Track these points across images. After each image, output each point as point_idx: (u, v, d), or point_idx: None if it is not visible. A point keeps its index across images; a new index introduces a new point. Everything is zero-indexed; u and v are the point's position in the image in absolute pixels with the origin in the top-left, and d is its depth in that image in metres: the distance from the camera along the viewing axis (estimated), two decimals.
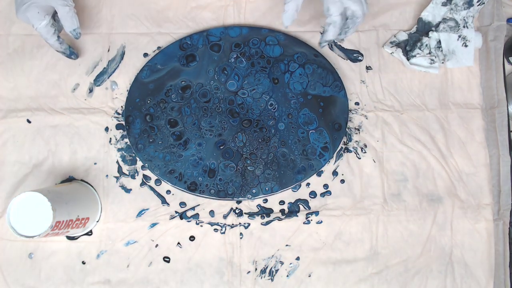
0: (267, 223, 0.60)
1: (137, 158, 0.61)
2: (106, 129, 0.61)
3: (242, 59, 0.64)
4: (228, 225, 0.60)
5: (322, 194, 0.61)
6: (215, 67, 0.64)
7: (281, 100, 0.63)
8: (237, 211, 0.61)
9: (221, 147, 0.62)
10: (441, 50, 0.58)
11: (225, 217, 0.61)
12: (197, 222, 0.60)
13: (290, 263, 0.59)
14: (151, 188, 0.61)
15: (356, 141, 0.63)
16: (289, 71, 0.64)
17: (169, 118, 0.62)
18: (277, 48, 0.64)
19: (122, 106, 0.62)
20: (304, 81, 0.64)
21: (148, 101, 0.63)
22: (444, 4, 0.56)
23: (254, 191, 0.61)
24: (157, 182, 0.62)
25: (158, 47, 0.62)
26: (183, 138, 0.62)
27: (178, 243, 0.59)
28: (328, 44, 0.65)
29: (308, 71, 0.64)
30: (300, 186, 0.62)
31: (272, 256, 0.59)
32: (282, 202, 0.61)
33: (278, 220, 0.60)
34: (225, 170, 0.61)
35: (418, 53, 0.58)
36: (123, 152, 0.61)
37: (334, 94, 0.64)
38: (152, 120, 0.62)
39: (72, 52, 0.58)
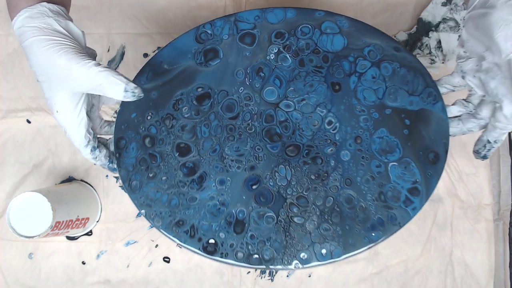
0: None
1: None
2: None
3: (286, 56, 0.43)
4: None
5: None
6: (247, 67, 0.44)
7: (344, 116, 0.42)
8: None
9: (254, 187, 0.41)
10: (441, 50, 0.57)
11: None
12: None
13: None
14: None
15: None
16: (357, 72, 0.43)
17: (178, 142, 0.43)
18: (338, 38, 0.43)
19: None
20: (380, 88, 0.42)
21: (149, 117, 0.43)
22: (444, 4, 0.56)
23: (303, 255, 0.40)
24: None
25: (158, 47, 0.59)
26: (197, 173, 0.42)
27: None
28: None
29: (386, 72, 0.43)
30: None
31: None
32: None
33: None
34: (260, 222, 0.41)
35: (418, 53, 0.57)
36: None
37: (427, 107, 0.42)
38: (154, 145, 0.43)
39: (111, 168, 0.45)
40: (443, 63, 0.57)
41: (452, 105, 0.43)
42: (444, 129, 0.42)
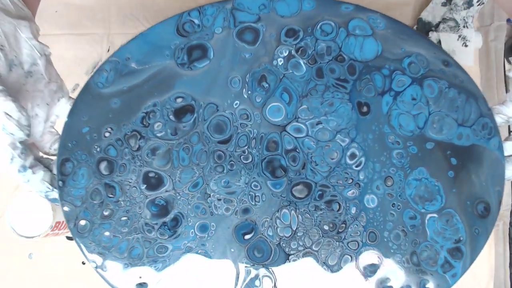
0: None
1: None
2: None
3: (299, 62, 0.33)
4: None
5: None
6: (245, 74, 0.32)
7: (373, 148, 0.32)
8: None
9: (247, 237, 0.31)
10: None
11: None
12: None
13: None
14: None
15: None
16: (392, 91, 0.33)
17: (147, 171, 0.31)
18: (370, 43, 0.33)
19: None
20: (422, 113, 0.32)
21: (107, 134, 0.32)
22: (444, 4, 0.57)
23: None
24: None
25: None
26: (171, 213, 0.31)
27: None
28: None
29: (430, 93, 0.33)
30: None
31: None
32: None
33: None
34: (253, 285, 0.30)
35: None
36: None
37: (480, 142, 0.32)
38: (112, 173, 0.31)
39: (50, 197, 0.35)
40: None
41: (505, 140, 0.34)
42: (499, 173, 0.32)
